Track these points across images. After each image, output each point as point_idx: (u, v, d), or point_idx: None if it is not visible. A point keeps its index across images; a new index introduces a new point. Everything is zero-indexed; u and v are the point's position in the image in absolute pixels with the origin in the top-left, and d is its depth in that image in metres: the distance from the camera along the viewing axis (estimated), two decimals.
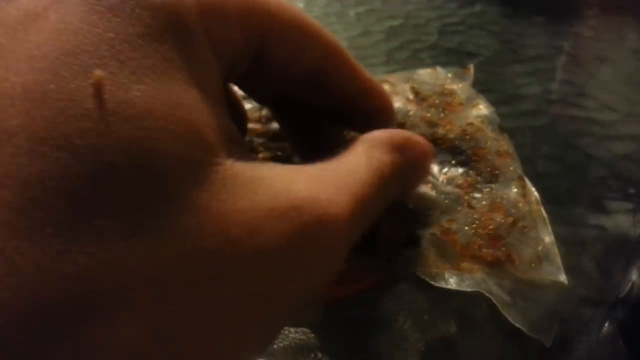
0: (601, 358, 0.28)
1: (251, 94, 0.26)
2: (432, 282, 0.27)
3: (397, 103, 0.36)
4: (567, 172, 0.39)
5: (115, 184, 0.12)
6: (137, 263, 0.12)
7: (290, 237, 0.16)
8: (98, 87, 0.13)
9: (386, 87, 0.37)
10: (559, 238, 0.30)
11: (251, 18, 0.19)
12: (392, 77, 0.39)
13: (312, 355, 0.28)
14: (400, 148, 0.23)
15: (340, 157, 0.21)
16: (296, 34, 0.22)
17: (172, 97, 0.14)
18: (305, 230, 0.16)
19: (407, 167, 0.23)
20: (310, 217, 0.16)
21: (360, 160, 0.21)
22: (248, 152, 0.18)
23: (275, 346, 0.28)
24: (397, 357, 0.28)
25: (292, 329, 0.29)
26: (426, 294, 0.30)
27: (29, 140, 0.12)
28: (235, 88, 0.26)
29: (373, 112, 0.26)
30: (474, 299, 0.29)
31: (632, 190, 0.37)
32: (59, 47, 0.13)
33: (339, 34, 0.58)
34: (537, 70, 0.52)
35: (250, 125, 0.36)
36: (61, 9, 0.14)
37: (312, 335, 0.28)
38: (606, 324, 0.29)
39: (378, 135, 0.23)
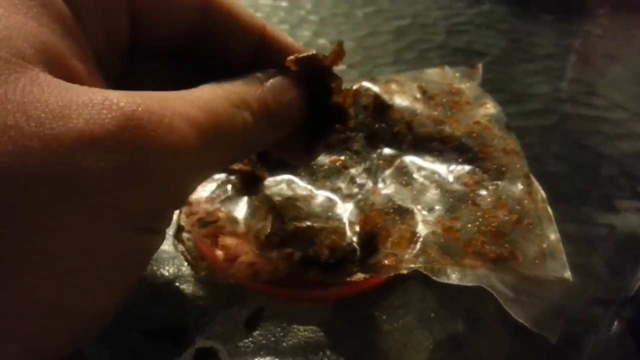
0: (610, 357, 0.28)
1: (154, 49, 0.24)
2: (434, 278, 0.27)
3: (405, 102, 0.36)
4: (577, 171, 0.39)
5: None
6: None
7: (108, 128, 0.15)
8: None
9: (394, 86, 0.37)
10: (567, 237, 0.30)
11: None
12: (400, 77, 0.39)
13: (321, 353, 0.28)
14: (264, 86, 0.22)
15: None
16: None
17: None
18: (127, 125, 0.15)
19: (277, 109, 0.22)
20: (131, 113, 0.15)
21: (215, 89, 0.20)
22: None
23: (284, 344, 0.28)
24: (405, 356, 0.28)
25: (301, 327, 0.29)
26: (434, 293, 0.30)
27: None
28: None
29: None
30: (481, 297, 0.29)
31: None
32: None
33: (347, 35, 0.58)
34: (546, 69, 0.51)
35: None
36: None
37: (321, 333, 0.29)
38: (615, 323, 0.29)
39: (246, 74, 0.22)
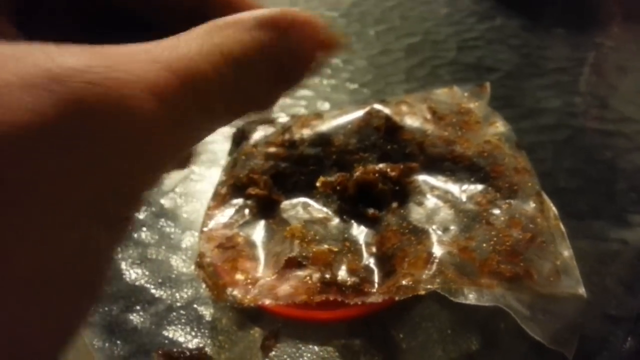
0: None
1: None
2: (452, 298, 0.27)
3: (415, 123, 0.37)
4: (589, 186, 0.39)
5: None
6: None
7: (55, 114, 0.12)
8: None
9: (404, 107, 0.38)
10: (580, 253, 0.30)
11: None
12: (410, 98, 0.40)
13: None
14: (269, 25, 0.17)
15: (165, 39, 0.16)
16: None
17: None
18: (79, 107, 0.13)
19: (282, 50, 0.17)
20: (83, 91, 0.13)
21: (192, 37, 0.16)
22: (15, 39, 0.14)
23: None
24: None
25: (316, 348, 0.29)
26: (449, 310, 0.31)
27: None
28: None
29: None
30: (496, 314, 0.29)
31: None
32: None
33: (359, 53, 0.59)
34: (557, 83, 0.52)
35: (273, 150, 0.37)
36: None
37: (337, 354, 0.29)
38: (629, 340, 0.29)
39: (233, 15, 0.17)
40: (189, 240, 0.36)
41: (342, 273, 0.30)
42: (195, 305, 0.32)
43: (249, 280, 0.30)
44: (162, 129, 0.14)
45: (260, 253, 0.32)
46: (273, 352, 0.29)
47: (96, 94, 0.13)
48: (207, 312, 0.32)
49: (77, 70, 0.13)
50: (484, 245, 0.30)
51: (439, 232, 0.31)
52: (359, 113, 0.38)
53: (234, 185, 0.35)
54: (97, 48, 0.14)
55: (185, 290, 0.33)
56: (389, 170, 0.34)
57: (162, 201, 0.40)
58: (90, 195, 0.13)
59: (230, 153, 0.39)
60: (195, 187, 0.41)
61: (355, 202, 0.34)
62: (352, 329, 0.30)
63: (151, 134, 0.14)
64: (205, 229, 0.33)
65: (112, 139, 0.13)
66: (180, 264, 0.34)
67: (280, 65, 0.17)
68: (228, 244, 0.32)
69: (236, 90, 0.16)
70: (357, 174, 0.34)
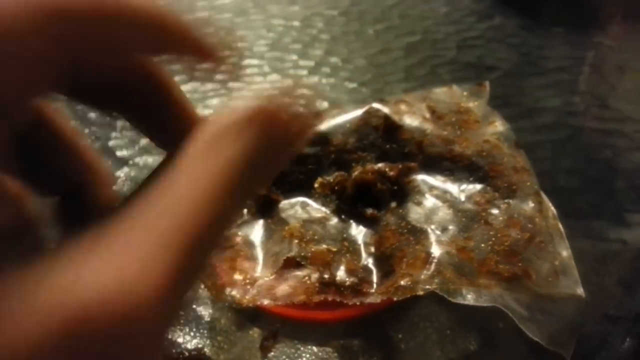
0: None
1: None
2: (450, 299, 0.27)
3: (415, 122, 0.37)
4: (588, 186, 0.39)
5: None
6: None
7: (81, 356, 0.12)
8: None
9: (403, 106, 0.38)
10: (579, 253, 0.30)
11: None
12: (409, 97, 0.39)
13: None
14: (258, 121, 0.16)
15: (165, 183, 0.15)
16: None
17: None
18: (101, 340, 0.12)
19: (273, 142, 0.17)
20: (105, 322, 0.12)
21: (192, 175, 0.15)
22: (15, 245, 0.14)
23: None
24: None
25: (315, 348, 0.29)
26: (448, 311, 0.31)
27: None
28: None
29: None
30: (494, 315, 0.29)
31: None
32: None
33: (358, 52, 0.59)
34: (557, 82, 0.52)
35: None
36: None
37: (335, 354, 0.29)
38: (627, 340, 0.29)
39: (222, 119, 0.16)
40: None
41: (341, 273, 0.30)
42: (194, 306, 0.32)
43: (247, 280, 0.30)
44: (164, 320, 0.14)
45: (259, 253, 0.32)
46: (272, 353, 0.29)
47: (118, 322, 0.13)
48: (205, 313, 0.31)
49: (100, 300, 0.12)
50: (483, 245, 0.30)
51: (438, 232, 0.31)
52: (358, 112, 0.38)
53: None
54: (110, 259, 0.13)
55: None
56: (387, 169, 0.34)
57: None
58: None
59: None
60: None
61: (354, 202, 0.34)
62: (351, 329, 0.30)
63: (156, 331, 0.14)
64: None
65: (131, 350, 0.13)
66: None
67: (273, 154, 0.17)
68: (226, 244, 0.31)
69: (241, 196, 0.16)
70: (355, 173, 0.34)
